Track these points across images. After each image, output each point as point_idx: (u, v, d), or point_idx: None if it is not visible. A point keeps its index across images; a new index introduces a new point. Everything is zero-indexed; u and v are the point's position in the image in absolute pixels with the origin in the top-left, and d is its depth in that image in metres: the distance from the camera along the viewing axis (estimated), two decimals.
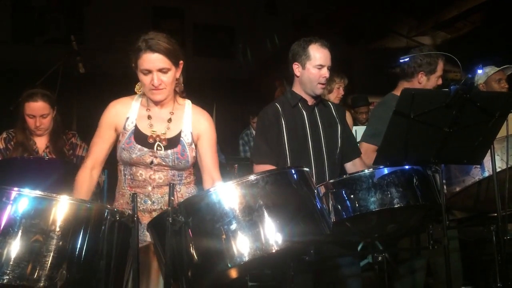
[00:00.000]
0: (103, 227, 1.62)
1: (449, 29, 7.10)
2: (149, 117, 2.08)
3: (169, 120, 2.09)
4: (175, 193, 1.67)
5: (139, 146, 2.02)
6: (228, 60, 6.93)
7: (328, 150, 2.58)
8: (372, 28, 7.20)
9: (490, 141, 2.14)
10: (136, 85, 2.12)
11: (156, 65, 1.94)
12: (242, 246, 1.60)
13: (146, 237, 1.95)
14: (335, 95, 3.93)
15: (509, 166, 2.33)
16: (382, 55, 7.00)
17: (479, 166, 2.41)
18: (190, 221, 1.63)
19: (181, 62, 2.05)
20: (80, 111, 4.24)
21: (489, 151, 2.26)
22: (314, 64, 2.49)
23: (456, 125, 1.98)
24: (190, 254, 1.65)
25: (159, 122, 2.08)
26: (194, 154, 2.10)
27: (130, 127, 2.05)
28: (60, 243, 1.55)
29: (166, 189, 2.01)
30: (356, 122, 4.87)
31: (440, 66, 2.78)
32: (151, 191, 2.03)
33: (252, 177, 1.68)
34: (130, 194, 1.98)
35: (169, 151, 2.03)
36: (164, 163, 2.03)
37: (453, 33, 7.12)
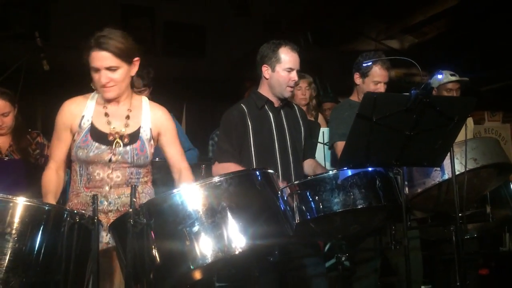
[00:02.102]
0: (62, 229, 1.59)
1: (416, 34, 7.26)
2: (106, 114, 2.05)
3: (127, 117, 2.07)
4: (136, 194, 1.65)
5: (96, 144, 1.99)
6: (198, 59, 6.88)
7: (293, 152, 2.60)
8: (341, 31, 7.29)
9: (450, 144, 2.20)
10: (92, 83, 2.08)
11: (103, 64, 1.92)
12: (205, 247, 1.60)
13: (102, 238, 1.92)
14: (298, 97, 3.92)
15: (467, 169, 2.42)
16: (352, 57, 7.09)
17: (439, 169, 2.48)
18: (152, 223, 1.62)
19: (136, 59, 2.02)
20: (45, 110, 4.12)
21: (449, 154, 2.34)
22: (284, 67, 2.51)
23: (416, 129, 2.03)
24: (152, 256, 1.63)
25: (117, 119, 2.06)
26: (152, 150, 2.10)
27: (86, 125, 2.02)
28: (16, 245, 1.51)
29: (124, 189, 2.00)
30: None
31: (375, 71, 2.78)
32: (108, 191, 2.00)
33: (215, 179, 1.69)
34: (88, 195, 1.95)
35: (128, 147, 2.02)
36: (123, 160, 2.01)
37: (420, 37, 7.29)
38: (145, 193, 2.08)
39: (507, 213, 3.19)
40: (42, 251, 1.55)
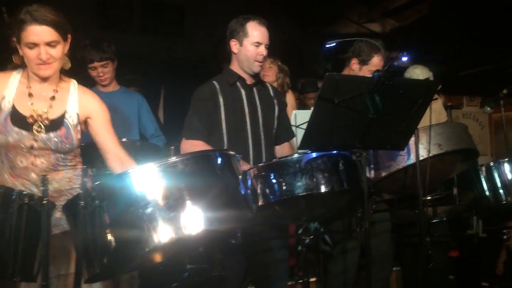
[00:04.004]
0: (10, 210, 1.54)
1: (398, 17, 7.22)
2: (30, 95, 1.94)
3: (52, 98, 1.97)
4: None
5: (16, 129, 1.88)
6: (178, 40, 6.75)
7: (265, 131, 2.58)
8: (322, 13, 7.22)
9: (413, 127, 2.20)
10: (15, 57, 1.96)
11: (43, 38, 1.83)
12: (159, 230, 1.57)
13: (61, 220, 1.88)
14: (268, 79, 3.89)
15: (432, 155, 2.42)
16: (333, 40, 7.05)
17: (405, 153, 2.49)
18: (104, 204, 1.58)
19: (69, 35, 1.94)
20: None
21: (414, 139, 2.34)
22: (252, 41, 2.48)
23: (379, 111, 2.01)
24: (105, 239, 1.60)
25: (41, 100, 1.95)
26: (79, 136, 2.01)
27: (7, 107, 1.90)
28: None
29: (53, 175, 1.92)
30: (304, 107, 4.88)
31: (374, 61, 2.80)
32: (36, 179, 1.89)
33: (171, 160, 1.65)
34: (17, 184, 1.87)
35: (51, 134, 1.92)
36: (46, 147, 1.92)
37: (401, 21, 7.25)
38: (78, 176, 2.02)
39: (475, 196, 3.22)
40: None
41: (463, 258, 4.27)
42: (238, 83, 2.56)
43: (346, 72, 2.92)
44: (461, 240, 4.54)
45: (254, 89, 2.60)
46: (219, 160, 1.77)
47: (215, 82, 2.55)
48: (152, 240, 1.57)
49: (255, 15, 2.56)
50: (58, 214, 1.86)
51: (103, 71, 3.15)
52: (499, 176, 3.27)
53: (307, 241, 2.31)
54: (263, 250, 2.60)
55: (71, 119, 1.98)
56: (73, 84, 2.05)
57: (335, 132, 2.00)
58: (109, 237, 1.60)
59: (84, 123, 2.04)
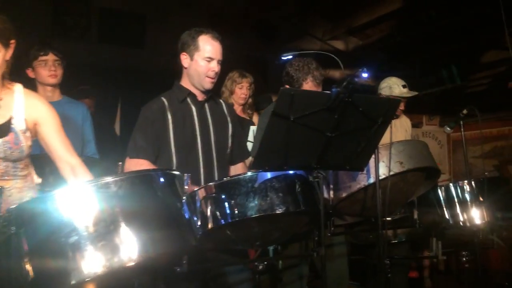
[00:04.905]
0: None
1: (361, 35, 7.29)
2: None
3: None
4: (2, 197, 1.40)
5: None
6: (138, 50, 6.53)
7: (218, 149, 2.42)
8: (287, 28, 7.20)
9: (373, 147, 2.09)
10: None
11: None
12: (85, 260, 1.38)
13: None
14: (238, 95, 3.78)
15: (393, 173, 2.33)
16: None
17: (365, 172, 2.38)
18: (22, 231, 1.38)
19: (12, 41, 1.82)
20: None
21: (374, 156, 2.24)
22: (203, 56, 2.34)
23: (338, 130, 1.89)
24: (24, 270, 1.39)
25: None
26: (30, 143, 1.88)
27: None
28: None
29: (1, 182, 1.77)
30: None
31: (305, 88, 2.63)
32: None
33: (103, 180, 1.46)
34: None
35: None
36: None
37: (364, 39, 7.33)
38: (29, 188, 1.88)
39: (434, 218, 3.16)
40: None
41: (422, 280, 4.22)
42: (188, 99, 2.41)
43: None
44: (420, 261, 4.51)
45: (206, 106, 2.45)
46: (160, 181, 1.60)
47: (163, 99, 2.39)
48: (77, 273, 1.37)
49: (209, 28, 2.42)
50: None
51: (56, 66, 2.94)
52: (457, 196, 3.24)
53: (260, 267, 2.14)
54: (222, 275, 2.43)
55: (19, 124, 1.87)
56: (18, 88, 1.93)
57: (291, 151, 1.86)
58: (29, 268, 1.39)
59: (34, 130, 1.92)
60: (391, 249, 3.44)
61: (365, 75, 1.90)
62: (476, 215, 3.17)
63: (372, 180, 2.36)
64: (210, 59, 2.34)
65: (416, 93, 3.73)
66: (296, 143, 1.85)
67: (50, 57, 2.93)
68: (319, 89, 2.69)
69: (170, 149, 2.33)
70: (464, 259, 3.27)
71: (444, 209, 3.12)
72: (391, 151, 2.35)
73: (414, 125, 6.94)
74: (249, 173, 2.02)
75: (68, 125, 3.00)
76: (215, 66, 2.35)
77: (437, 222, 3.19)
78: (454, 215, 3.22)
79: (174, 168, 2.31)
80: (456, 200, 3.25)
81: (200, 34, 2.36)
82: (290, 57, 2.51)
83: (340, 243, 2.87)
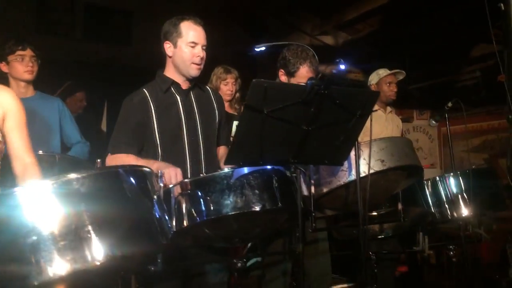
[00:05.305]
0: None
1: (350, 30, 7.24)
2: None
3: None
4: None
5: None
6: (124, 47, 6.45)
7: (205, 139, 2.36)
8: (276, 24, 7.14)
9: (353, 141, 2.05)
10: None
11: None
12: (44, 263, 1.32)
13: None
14: (224, 92, 3.72)
15: (374, 171, 2.28)
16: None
17: (346, 168, 2.34)
18: None
19: None
20: None
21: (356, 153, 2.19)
22: (186, 42, 2.28)
23: (315, 123, 1.84)
24: None
25: None
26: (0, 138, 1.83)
27: None
28: None
29: None
30: None
31: (301, 72, 2.60)
32: None
33: (66, 177, 1.40)
34: None
35: None
36: None
37: (354, 34, 7.28)
38: None
39: (421, 212, 3.13)
40: None
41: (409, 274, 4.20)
42: (172, 89, 2.35)
43: None
44: (410, 255, 4.48)
45: (191, 94, 2.39)
46: (127, 178, 1.53)
47: (145, 90, 2.34)
48: (37, 274, 1.31)
49: (190, 15, 2.36)
50: None
51: (33, 62, 2.89)
52: (444, 190, 3.21)
53: (238, 265, 2.10)
54: (199, 274, 2.37)
55: None
56: None
57: (266, 146, 1.80)
58: None
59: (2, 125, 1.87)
60: (380, 244, 3.42)
61: (342, 66, 1.85)
62: (463, 208, 3.14)
63: (353, 177, 2.31)
64: (194, 44, 2.28)
65: (402, 71, 3.77)
66: (271, 137, 1.79)
67: (28, 52, 2.88)
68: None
69: (155, 141, 2.28)
70: (451, 253, 3.25)
71: (431, 203, 3.08)
72: (373, 149, 2.30)
73: (405, 120, 6.92)
74: (226, 170, 1.97)
75: (41, 121, 2.95)
76: (199, 51, 2.29)
77: (424, 216, 3.16)
78: (441, 209, 3.19)
79: (159, 159, 2.27)
80: (443, 193, 3.22)
81: (181, 20, 2.31)
82: (263, 48, 2.45)
83: (323, 239, 2.83)
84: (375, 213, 2.98)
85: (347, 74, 7.84)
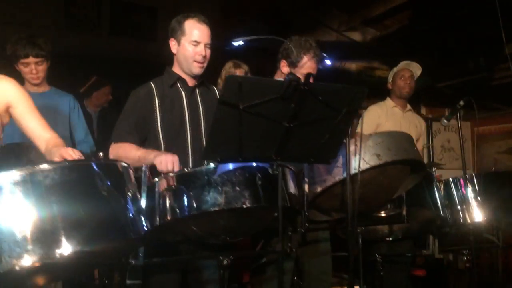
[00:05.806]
0: None
1: (378, 26, 7.05)
2: None
3: None
4: None
5: None
6: (149, 42, 6.55)
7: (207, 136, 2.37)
8: (302, 20, 7.04)
9: (340, 139, 1.97)
10: None
11: None
12: (16, 252, 1.35)
13: None
14: None
15: (367, 167, 2.20)
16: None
17: (341, 165, 2.26)
18: None
19: None
20: None
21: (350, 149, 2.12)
22: (189, 40, 2.31)
23: (296, 120, 1.79)
24: None
25: None
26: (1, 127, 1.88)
27: None
28: None
29: None
30: None
31: (305, 62, 2.56)
32: None
33: (31, 169, 1.42)
34: None
35: None
36: None
37: (382, 30, 7.08)
38: None
39: (430, 215, 2.99)
40: None
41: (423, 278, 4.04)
42: (178, 84, 2.39)
43: (277, 76, 2.70)
44: (427, 259, 4.32)
45: (197, 91, 2.42)
46: (101, 172, 1.54)
47: (152, 84, 2.39)
48: (7, 263, 1.34)
49: (197, 13, 2.36)
50: None
51: (37, 68, 2.96)
52: (457, 193, 3.06)
53: (225, 262, 2.07)
54: (194, 270, 2.38)
55: None
56: None
57: (246, 142, 1.77)
58: None
59: (7, 113, 1.92)
60: (391, 246, 3.31)
61: (328, 62, 1.78)
62: (477, 213, 2.99)
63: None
64: (197, 43, 2.30)
65: (416, 64, 3.64)
66: (250, 133, 1.76)
67: (31, 60, 2.92)
68: (316, 67, 2.62)
69: (158, 133, 2.31)
70: (465, 258, 3.11)
71: (439, 206, 2.94)
72: (369, 143, 2.22)
73: (436, 119, 6.67)
74: (212, 165, 1.95)
75: (56, 115, 3.03)
76: (202, 50, 2.30)
77: (433, 220, 3.02)
78: (453, 212, 3.04)
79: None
80: (455, 196, 3.08)
81: (186, 18, 2.33)
82: (241, 42, 2.42)
83: (325, 239, 2.77)
84: (383, 214, 2.88)
85: (375, 71, 7.66)
